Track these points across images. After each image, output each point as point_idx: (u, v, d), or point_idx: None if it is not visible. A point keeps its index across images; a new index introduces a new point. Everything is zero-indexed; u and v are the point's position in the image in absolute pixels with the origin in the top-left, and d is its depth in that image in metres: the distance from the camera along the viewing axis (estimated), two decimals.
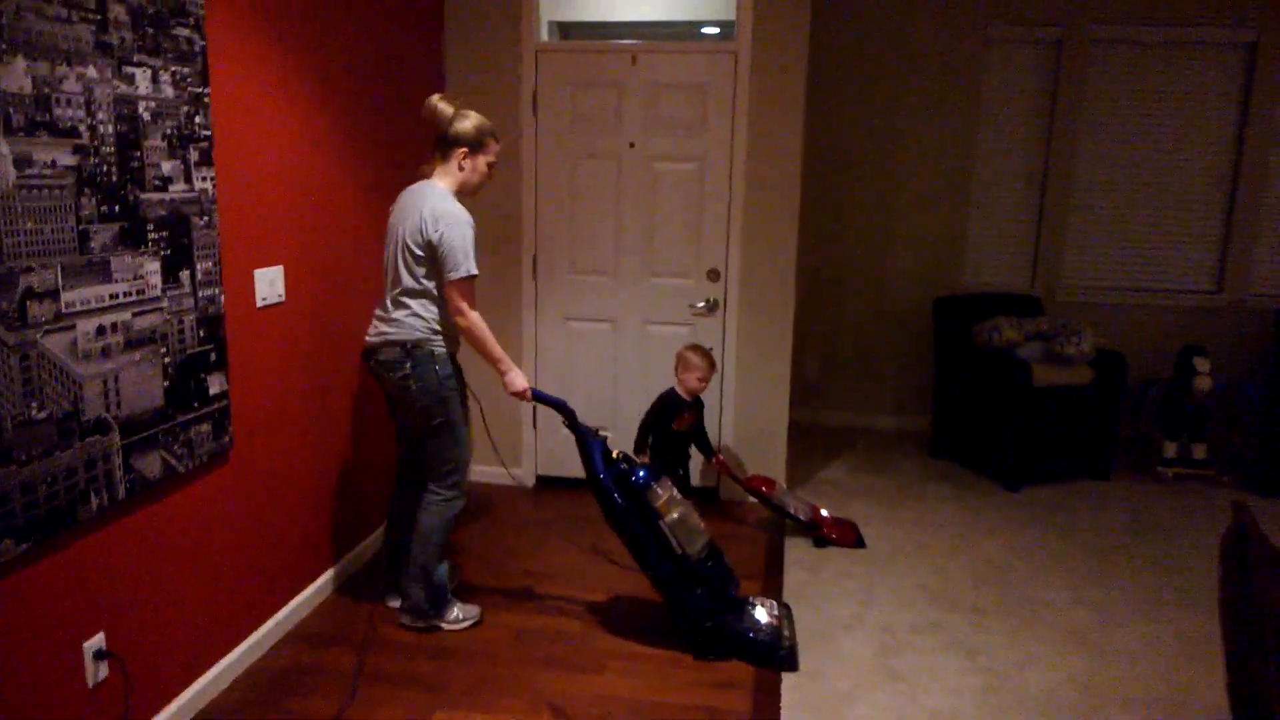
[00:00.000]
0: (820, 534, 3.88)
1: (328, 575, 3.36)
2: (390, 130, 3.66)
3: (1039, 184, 5.42)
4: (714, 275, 4.25)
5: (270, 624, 3.00)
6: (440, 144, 2.97)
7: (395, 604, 3.24)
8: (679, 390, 3.97)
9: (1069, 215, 5.41)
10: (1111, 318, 5.41)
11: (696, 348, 3.97)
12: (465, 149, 2.95)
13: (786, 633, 3.04)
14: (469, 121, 2.94)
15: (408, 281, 2.89)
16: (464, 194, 3.01)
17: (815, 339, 5.64)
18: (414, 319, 2.91)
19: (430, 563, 3.06)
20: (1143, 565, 3.77)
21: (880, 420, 5.76)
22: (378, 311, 3.01)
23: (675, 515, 3.00)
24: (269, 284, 2.84)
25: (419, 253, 2.86)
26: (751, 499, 4.18)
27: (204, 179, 2.47)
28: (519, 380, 2.98)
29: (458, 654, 2.99)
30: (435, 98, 2.93)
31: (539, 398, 3.03)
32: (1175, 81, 5.21)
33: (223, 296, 2.59)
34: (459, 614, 3.17)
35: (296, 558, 3.16)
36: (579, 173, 4.25)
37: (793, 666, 2.93)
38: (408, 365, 2.91)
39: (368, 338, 3.02)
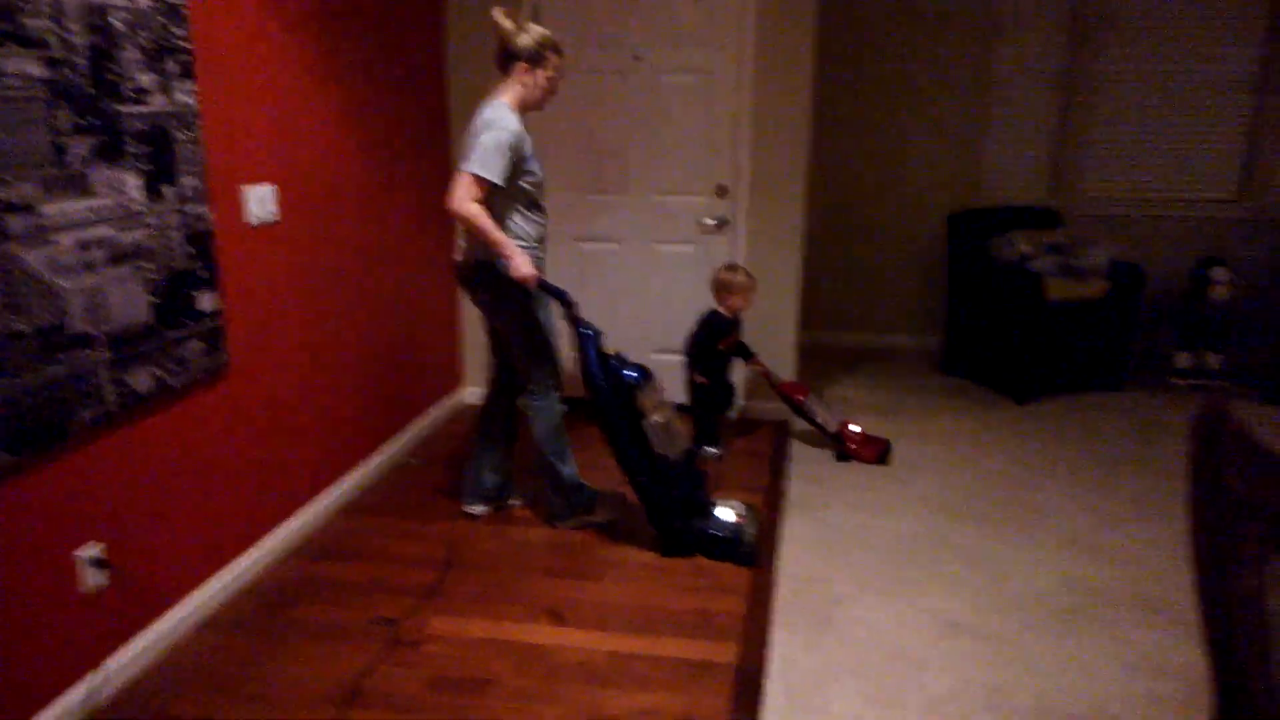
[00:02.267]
0: (844, 448, 3.90)
1: (336, 492, 3.43)
2: (386, 47, 3.61)
3: (1062, 93, 5.25)
4: (722, 191, 4.19)
5: (277, 537, 3.08)
6: (501, 59, 2.97)
7: (475, 510, 3.38)
8: (723, 311, 3.90)
9: (1091, 124, 5.25)
10: (1129, 229, 5.29)
11: (735, 268, 3.91)
12: (526, 64, 2.94)
13: (750, 530, 3.13)
14: (529, 36, 2.93)
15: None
16: (527, 108, 3.01)
17: (829, 258, 5.57)
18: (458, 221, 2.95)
19: (555, 467, 3.20)
20: (1147, 472, 3.76)
21: (894, 339, 5.73)
22: (464, 232, 3.06)
23: (659, 417, 3.06)
24: (260, 202, 2.84)
25: None
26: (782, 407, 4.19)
27: (185, 93, 2.45)
28: (524, 265, 2.93)
29: (462, 564, 3.06)
30: (496, 12, 2.92)
31: (543, 286, 3.02)
32: None
33: (211, 214, 2.60)
34: (605, 508, 3.33)
35: (302, 474, 3.23)
36: (584, 88, 4.18)
37: (750, 562, 3.05)
38: (485, 278, 3.00)
39: (454, 256, 3.15)
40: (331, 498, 3.41)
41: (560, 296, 3.07)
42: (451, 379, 4.52)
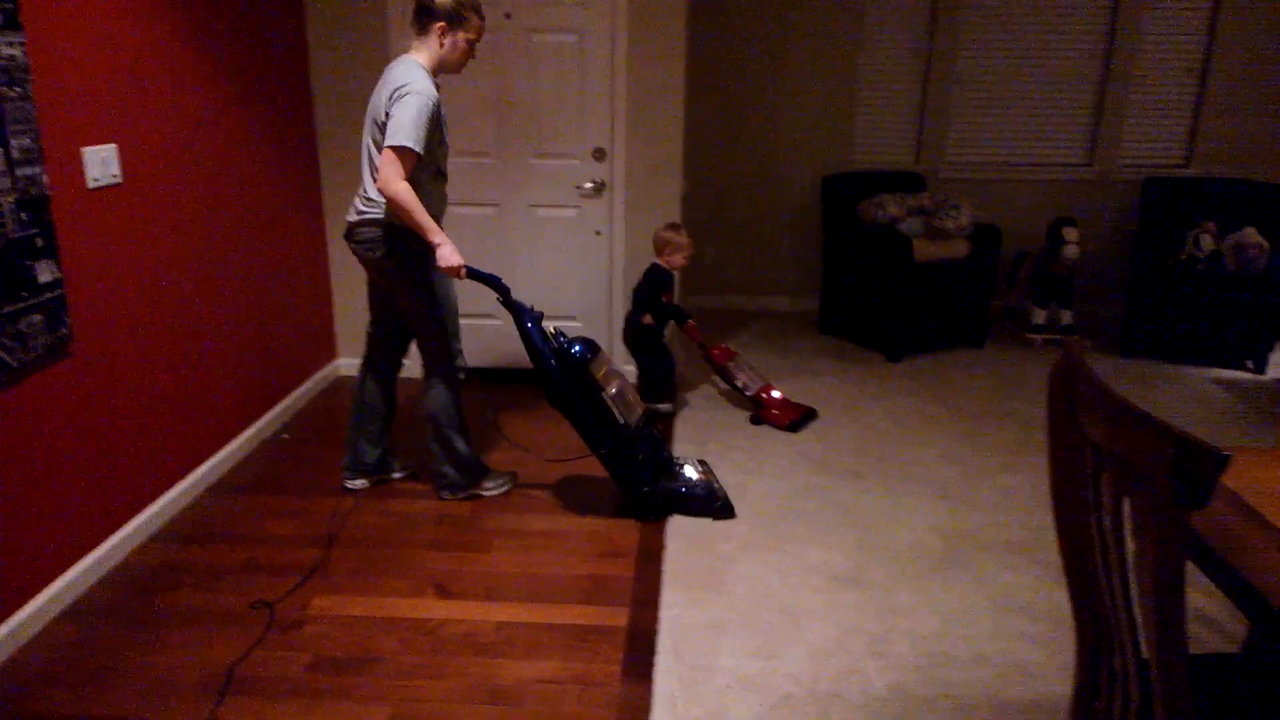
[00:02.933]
0: (760, 412, 3.94)
1: (205, 470, 3.26)
2: (239, 7, 3.39)
3: (923, 63, 5.42)
4: (600, 155, 4.15)
5: (142, 521, 2.90)
6: (418, 16, 2.81)
7: (355, 484, 3.29)
8: (664, 265, 3.96)
9: (951, 93, 5.45)
10: (989, 192, 5.54)
11: (674, 226, 3.97)
12: (443, 23, 2.79)
13: (718, 485, 3.21)
14: None
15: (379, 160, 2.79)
16: (443, 70, 2.88)
17: (709, 223, 5.61)
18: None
19: (451, 440, 3.13)
20: (1011, 424, 3.97)
21: (774, 302, 5.84)
22: (359, 191, 2.93)
23: (614, 388, 3.05)
24: (101, 163, 2.63)
25: (379, 132, 2.77)
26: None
27: (10, 45, 2.23)
28: (452, 255, 2.83)
29: (342, 541, 2.96)
30: None
31: (472, 274, 2.94)
32: None
33: (46, 176, 2.39)
34: (497, 481, 3.30)
35: (166, 454, 3.05)
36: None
37: (731, 513, 3.12)
38: (386, 244, 2.87)
39: (347, 217, 2.97)
40: (200, 477, 3.25)
41: (493, 283, 3.00)
42: (326, 350, 4.35)
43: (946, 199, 4.81)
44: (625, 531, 3.05)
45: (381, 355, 3.21)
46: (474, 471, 3.23)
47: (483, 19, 2.86)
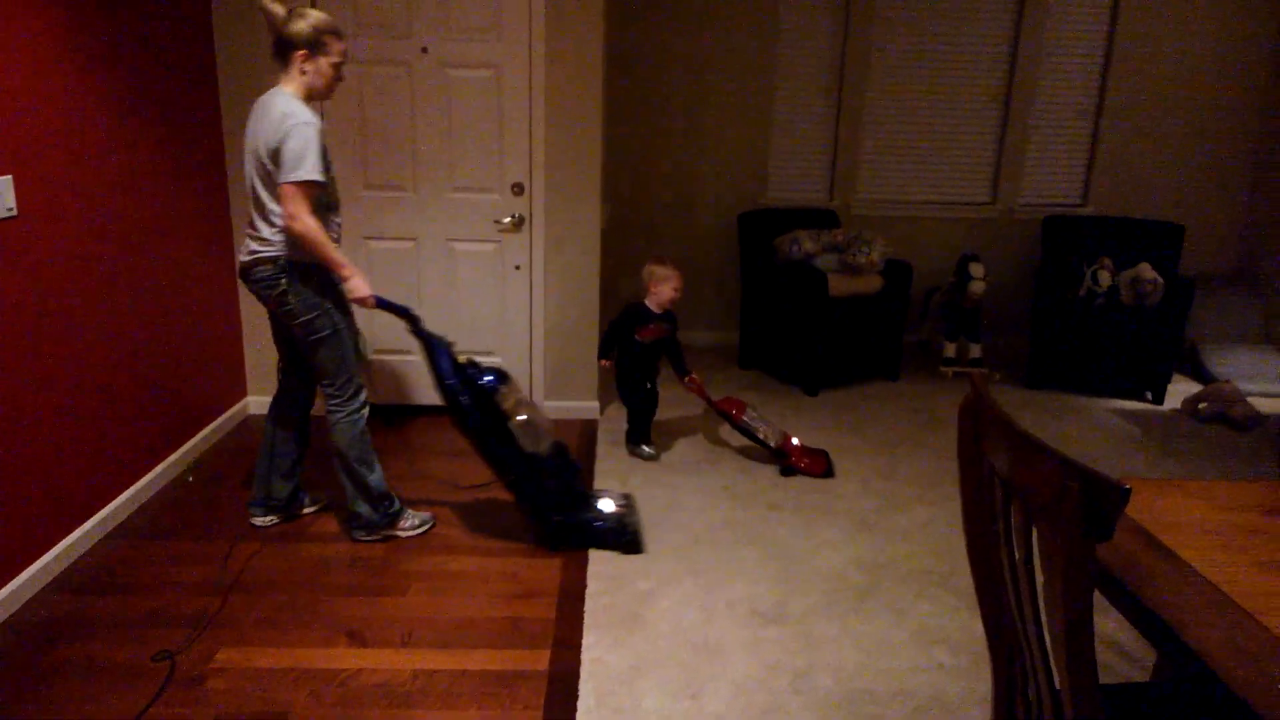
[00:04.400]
0: (788, 462, 3.83)
1: (96, 519, 3.09)
2: (143, 20, 3.28)
3: (834, 104, 5.58)
4: (518, 190, 4.14)
5: (36, 570, 2.74)
6: (277, 48, 2.77)
7: (263, 521, 3.22)
8: (649, 303, 3.90)
9: (861, 134, 5.62)
10: (899, 229, 5.70)
11: (661, 259, 3.92)
12: (304, 51, 2.75)
13: (632, 518, 3.21)
14: (304, 21, 2.73)
15: (270, 197, 2.77)
16: (314, 99, 2.84)
17: (629, 258, 5.63)
18: (283, 234, 2.77)
19: (359, 476, 3.05)
20: (924, 455, 4.06)
21: (694, 336, 5.87)
22: (248, 229, 2.88)
23: (523, 416, 3.04)
24: None
25: (270, 165, 2.71)
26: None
27: None
28: (362, 286, 2.84)
29: (250, 587, 2.84)
30: None
31: (382, 305, 2.93)
32: (955, 2, 5.45)
33: None
34: (414, 521, 3.22)
35: (63, 499, 2.88)
36: (368, 80, 3.99)
37: (637, 549, 3.11)
38: (283, 281, 2.81)
39: (240, 257, 2.90)
40: (100, 522, 3.08)
41: (402, 313, 3.00)
42: (235, 388, 4.20)
43: (859, 235, 4.94)
44: (545, 571, 3.00)
45: (292, 390, 3.14)
46: (389, 507, 3.15)
47: (343, 41, 2.84)
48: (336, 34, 2.81)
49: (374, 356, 4.25)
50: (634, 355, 3.91)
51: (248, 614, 2.70)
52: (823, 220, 5.35)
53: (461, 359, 3.07)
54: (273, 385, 3.15)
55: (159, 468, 3.49)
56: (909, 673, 2.50)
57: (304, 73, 2.78)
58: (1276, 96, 5.59)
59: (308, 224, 2.67)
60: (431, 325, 4.26)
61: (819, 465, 3.84)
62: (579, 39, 3.94)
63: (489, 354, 4.32)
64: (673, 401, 4.62)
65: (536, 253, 4.20)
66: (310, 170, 2.65)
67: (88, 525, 3.03)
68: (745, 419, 3.86)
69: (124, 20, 3.17)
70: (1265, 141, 5.68)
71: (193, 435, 3.78)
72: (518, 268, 4.23)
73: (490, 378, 3.04)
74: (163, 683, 2.37)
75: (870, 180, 5.74)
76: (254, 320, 4.18)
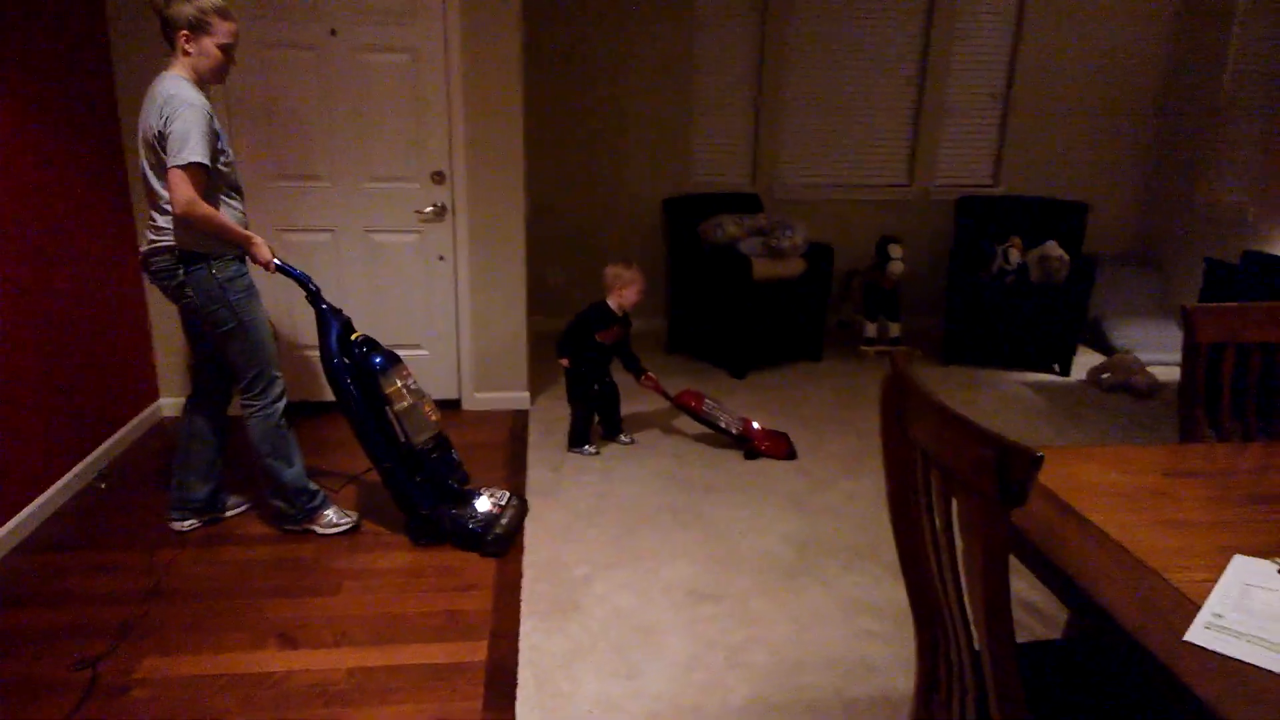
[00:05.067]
0: (751, 446, 3.87)
1: (11, 529, 2.97)
2: (35, 28, 3.14)
3: (755, 90, 5.64)
4: (439, 178, 4.08)
5: None
6: (163, 30, 2.68)
7: (179, 524, 3.14)
8: (611, 304, 3.84)
9: (782, 119, 5.69)
10: (821, 212, 5.80)
11: (628, 262, 3.87)
12: (186, 31, 2.66)
13: (504, 521, 3.10)
14: (188, 2, 2.64)
15: (161, 184, 2.69)
16: (205, 82, 2.74)
17: (553, 246, 5.62)
18: (180, 222, 2.69)
19: (276, 470, 3.00)
20: (849, 433, 4.16)
21: None
22: (149, 220, 2.78)
23: (405, 404, 2.99)
24: None
25: (160, 150, 2.63)
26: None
27: None
28: (264, 251, 2.86)
29: (172, 594, 2.76)
30: None
31: (282, 269, 2.93)
32: None
33: None
34: (334, 518, 3.16)
35: None
36: (274, 65, 3.88)
37: (497, 553, 3.02)
38: (181, 273, 2.74)
39: (140, 248, 2.82)
40: (8, 535, 2.96)
41: (301, 280, 2.97)
42: (146, 391, 4.07)
43: (782, 219, 5.01)
44: (481, 564, 2.99)
45: (206, 387, 3.06)
46: (308, 500, 3.10)
47: (230, 21, 2.74)
48: (222, 14, 2.71)
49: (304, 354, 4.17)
50: (591, 357, 3.88)
51: (172, 621, 2.63)
52: (746, 205, 5.41)
53: (356, 336, 3.02)
54: (185, 386, 3.07)
55: (68, 476, 3.36)
56: (838, 641, 2.57)
57: (187, 54, 2.69)
58: (1174, 81, 5.85)
59: (200, 209, 2.62)
60: (355, 318, 4.21)
61: (781, 447, 3.90)
62: (497, 23, 3.90)
63: (415, 347, 4.27)
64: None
65: (460, 242, 4.16)
66: (194, 152, 2.57)
67: None
68: (705, 409, 3.91)
69: (13, 19, 3.03)
70: (1164, 123, 5.95)
71: (103, 441, 3.65)
72: (441, 258, 4.18)
73: (379, 359, 2.99)
74: (84, 693, 2.30)
75: (792, 165, 5.83)
76: (164, 321, 4.05)
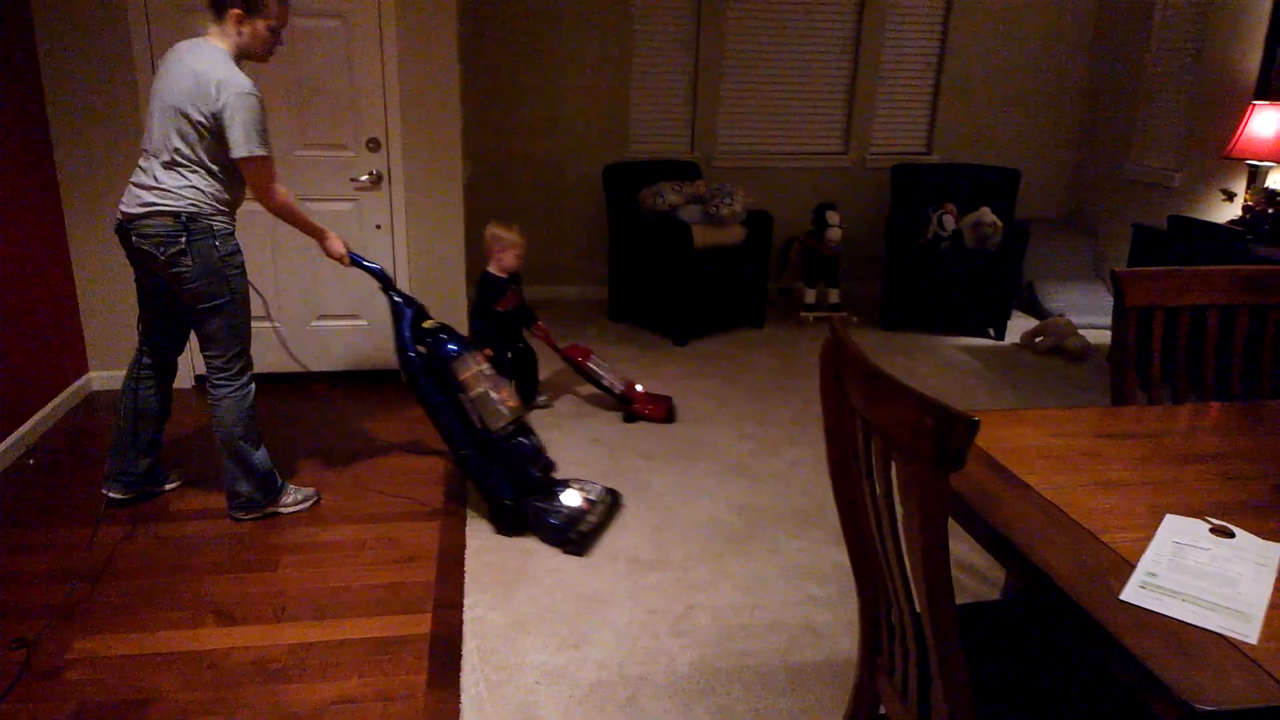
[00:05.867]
0: (632, 408, 3.87)
1: None
2: None
3: (692, 56, 5.60)
4: (374, 145, 3.98)
5: None
6: (213, 2, 2.58)
7: (116, 495, 3.04)
8: (494, 270, 3.76)
9: (720, 86, 5.67)
10: (759, 179, 5.82)
11: (503, 224, 3.77)
12: (239, 10, 2.58)
13: (590, 517, 2.96)
14: None
15: (183, 151, 2.61)
16: (247, 59, 2.67)
17: (492, 213, 5.52)
18: (191, 190, 2.62)
19: (244, 454, 2.91)
20: (791, 399, 4.21)
21: (563, 291, 5.86)
22: (139, 178, 2.64)
23: (479, 390, 2.93)
24: None
25: (202, 122, 2.56)
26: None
27: None
28: (338, 244, 2.99)
29: (105, 573, 2.68)
30: None
31: (356, 262, 2.98)
32: None
33: None
34: (296, 497, 3.10)
35: None
36: (196, 31, 3.71)
37: (579, 551, 2.86)
38: (183, 239, 2.62)
39: (124, 208, 2.66)
40: None
41: (376, 273, 3.02)
42: (74, 363, 3.92)
43: (721, 187, 5.01)
44: (424, 535, 2.96)
45: (155, 358, 2.96)
46: (272, 488, 3.02)
47: (285, 4, 2.68)
48: None
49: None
50: (498, 329, 3.82)
51: (105, 600, 2.56)
52: (685, 172, 5.39)
53: (430, 324, 3.01)
54: (116, 358, 2.96)
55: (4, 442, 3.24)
56: (782, 606, 2.61)
57: (240, 34, 2.62)
58: (1101, 47, 5.97)
59: (282, 199, 2.73)
60: (290, 289, 4.13)
61: (660, 409, 3.93)
62: None
63: (355, 318, 4.19)
64: (542, 359, 4.61)
65: (397, 211, 4.07)
66: (263, 145, 2.66)
67: None
68: (590, 365, 3.92)
69: None
70: (1092, 90, 6.07)
71: (30, 417, 3.52)
72: (378, 227, 4.09)
73: (453, 346, 2.94)
74: (17, 673, 2.22)
75: (730, 132, 5.82)
76: (93, 293, 3.90)
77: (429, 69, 3.91)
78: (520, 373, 3.93)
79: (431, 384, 2.94)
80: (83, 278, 3.89)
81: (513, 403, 3.01)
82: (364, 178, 4.00)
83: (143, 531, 2.93)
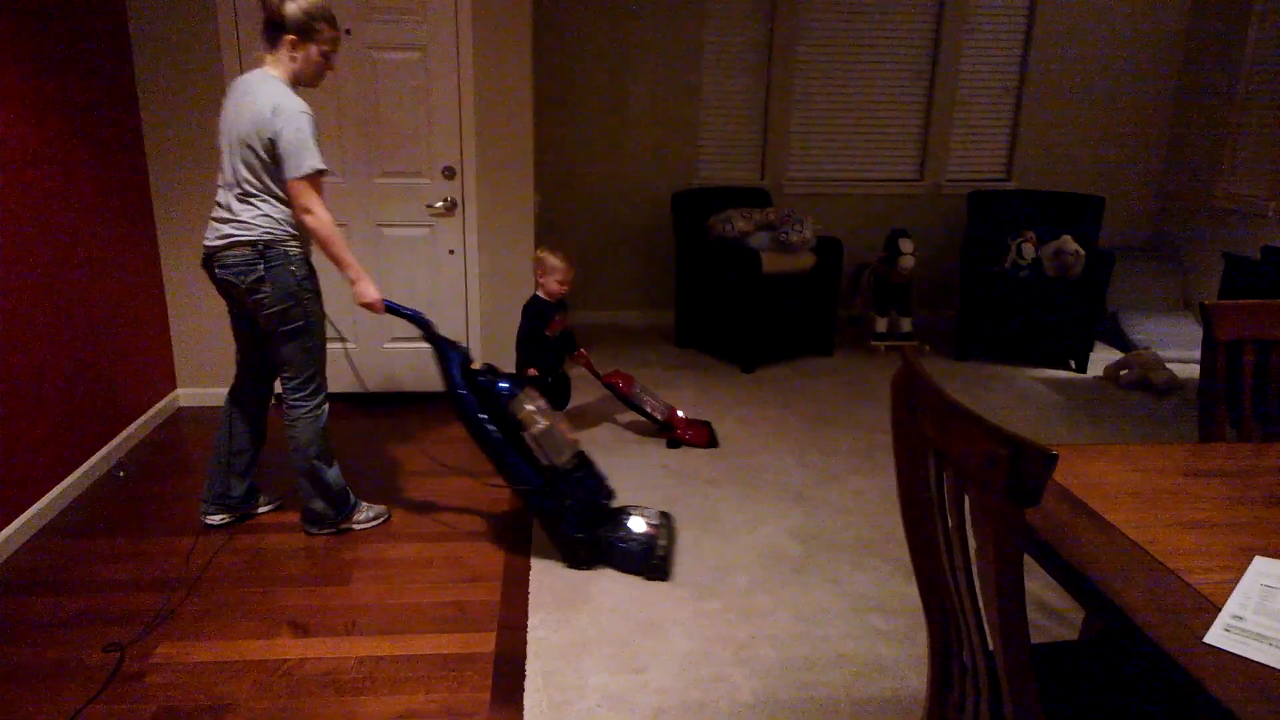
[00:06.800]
0: (674, 435, 3.88)
1: (22, 520, 2.98)
2: (57, 25, 3.15)
3: (763, 84, 5.62)
4: (449, 173, 4.08)
5: None
6: (266, 30, 2.69)
7: (215, 520, 3.12)
8: (542, 295, 3.79)
9: (791, 112, 5.67)
10: (830, 206, 5.78)
11: (552, 249, 3.81)
12: (294, 36, 2.68)
13: (662, 541, 2.95)
14: (296, 5, 2.65)
15: (251, 181, 2.71)
16: (301, 85, 2.76)
17: (561, 239, 5.61)
18: (264, 219, 2.71)
19: (318, 472, 2.98)
20: (858, 429, 4.15)
21: (628, 317, 5.89)
22: (217, 213, 2.76)
23: (541, 426, 2.87)
24: None
25: (261, 152, 2.65)
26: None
27: None
28: (371, 290, 2.84)
29: (188, 582, 2.77)
30: None
31: (392, 309, 2.90)
32: None
33: None
34: (368, 514, 3.16)
35: None
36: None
37: (663, 575, 2.87)
38: (261, 267, 2.72)
39: (206, 242, 2.78)
40: (27, 523, 2.99)
41: (413, 318, 2.96)
42: (164, 381, 4.08)
43: (791, 213, 4.99)
44: (489, 555, 2.99)
45: (250, 385, 3.05)
46: (345, 505, 3.10)
47: (336, 29, 2.77)
48: (329, 21, 2.73)
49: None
50: (547, 352, 3.84)
51: (188, 608, 2.65)
52: (755, 199, 5.39)
53: (476, 365, 2.99)
54: (202, 376, 3.07)
55: (87, 464, 3.38)
56: (846, 639, 2.56)
57: (294, 60, 2.71)
58: (1189, 71, 5.80)
59: (323, 219, 2.69)
60: (366, 312, 4.23)
61: (702, 436, 3.92)
62: (507, 19, 3.89)
63: (424, 341, 4.28)
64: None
65: (470, 237, 4.16)
66: (313, 159, 2.65)
67: (16, 524, 2.93)
68: (632, 392, 3.92)
69: (33, 18, 3.04)
70: (1178, 115, 5.90)
71: (121, 430, 3.67)
72: (451, 252, 4.18)
73: (505, 385, 2.91)
74: (109, 676, 2.31)
75: (801, 159, 5.80)
76: (182, 311, 4.07)
77: (503, 100, 4.00)
78: (554, 399, 3.95)
79: (491, 424, 2.89)
80: (173, 300, 4.06)
81: (572, 435, 3.00)
82: (439, 204, 4.09)
83: (224, 544, 3.02)
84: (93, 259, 3.45)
